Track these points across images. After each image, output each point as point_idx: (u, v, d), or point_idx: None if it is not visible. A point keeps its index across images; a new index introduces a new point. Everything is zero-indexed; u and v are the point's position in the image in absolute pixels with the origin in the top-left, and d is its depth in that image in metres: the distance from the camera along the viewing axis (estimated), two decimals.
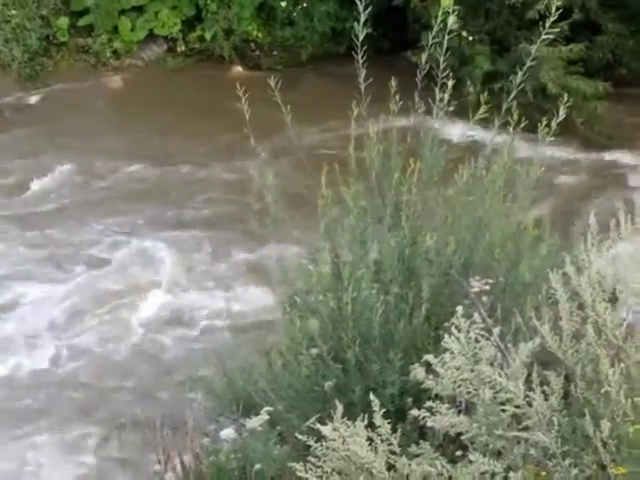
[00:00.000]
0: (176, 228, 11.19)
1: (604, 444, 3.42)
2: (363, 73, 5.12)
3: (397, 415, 4.63)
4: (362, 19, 4.93)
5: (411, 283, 5.14)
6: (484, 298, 4.62)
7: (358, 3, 4.91)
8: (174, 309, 9.50)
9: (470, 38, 13.76)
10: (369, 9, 5.07)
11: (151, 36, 16.56)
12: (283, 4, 15.94)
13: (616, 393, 3.39)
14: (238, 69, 16.04)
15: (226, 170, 12.36)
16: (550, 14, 5.11)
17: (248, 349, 6.29)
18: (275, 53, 16.47)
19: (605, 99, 13.18)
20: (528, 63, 5.11)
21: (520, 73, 5.14)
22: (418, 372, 3.98)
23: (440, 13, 5.17)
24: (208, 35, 16.32)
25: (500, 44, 13.90)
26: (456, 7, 11.63)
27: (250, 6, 16.27)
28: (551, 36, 5.13)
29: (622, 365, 3.49)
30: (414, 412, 3.95)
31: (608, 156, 12.86)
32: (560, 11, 5.19)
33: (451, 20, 5.10)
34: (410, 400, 4.65)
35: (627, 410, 3.36)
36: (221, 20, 16.25)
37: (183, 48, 16.57)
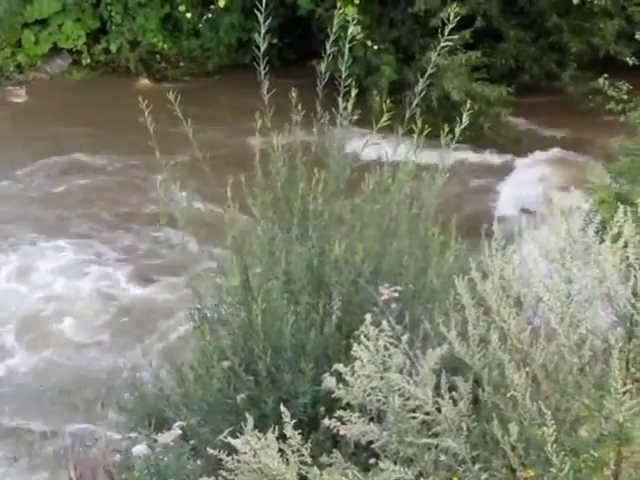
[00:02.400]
0: (76, 240, 11.11)
1: (513, 448, 3.46)
2: (266, 84, 5.10)
3: (310, 425, 4.63)
4: (262, 30, 4.90)
5: (321, 292, 5.13)
6: (393, 305, 4.64)
7: (258, 15, 4.89)
8: (82, 323, 9.40)
9: (375, 47, 13.88)
10: (269, 20, 5.04)
11: (55, 49, 16.42)
12: (188, 15, 15.89)
13: (522, 397, 3.43)
14: (144, 81, 15.96)
15: (130, 184, 12.29)
16: (453, 22, 5.16)
17: (160, 363, 6.23)
18: (182, 64, 16.43)
19: (509, 104, 13.41)
20: (429, 71, 5.14)
21: (421, 81, 5.17)
22: (329, 381, 3.98)
23: (336, 22, 5.16)
24: (113, 47, 16.22)
25: (405, 53, 14.05)
26: (360, 16, 11.67)
27: (155, 18, 16.20)
28: (450, 43, 5.17)
29: (527, 369, 3.53)
30: (326, 421, 3.94)
31: (512, 158, 13.08)
32: (461, 19, 5.24)
33: (351, 29, 5.10)
34: (323, 409, 4.64)
35: (533, 414, 3.40)
36: (126, 32, 16.15)
37: (88, 61, 16.44)
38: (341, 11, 5.17)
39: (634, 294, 3.46)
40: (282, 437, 3.70)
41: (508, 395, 3.51)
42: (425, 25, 13.31)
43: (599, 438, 3.43)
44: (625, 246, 3.54)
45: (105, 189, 12.51)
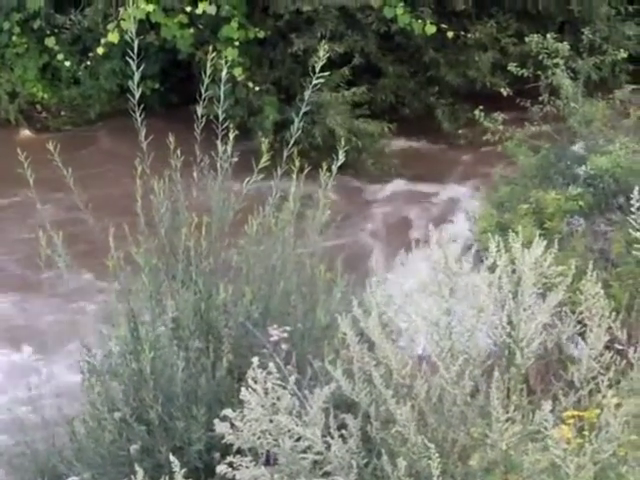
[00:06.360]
0: None
1: None
2: (143, 131, 5.13)
3: (206, 472, 4.60)
4: (136, 77, 4.93)
5: (210, 337, 5.13)
6: (283, 346, 4.65)
7: (131, 62, 4.91)
8: None
9: (257, 88, 13.94)
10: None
11: None
12: (67, 64, 15.71)
13: (408, 431, 3.46)
14: (25, 132, 15.73)
15: (11, 235, 12.10)
16: (332, 60, 5.25)
17: (49, 418, 6.11)
18: (63, 113, 16.23)
19: (391, 139, 13.64)
20: (303, 109, 5.22)
21: (297, 120, 5.24)
22: (219, 427, 3.96)
23: (209, 65, 5.20)
24: None
25: (287, 93, 14.12)
26: (240, 59, 11.68)
27: (34, 67, 15.98)
28: (322, 80, 5.25)
29: (412, 403, 3.56)
30: (219, 468, 3.92)
31: (394, 192, 13.24)
32: (342, 57, 5.35)
33: (224, 71, 5.14)
34: (218, 455, 4.62)
35: (420, 447, 3.44)
36: (4, 83, 15.91)
37: None
38: (212, 55, 5.20)
39: (509, 323, 3.54)
40: None
41: (394, 430, 3.55)
42: (304, 64, 13.41)
43: (487, 467, 3.48)
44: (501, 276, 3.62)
45: None
